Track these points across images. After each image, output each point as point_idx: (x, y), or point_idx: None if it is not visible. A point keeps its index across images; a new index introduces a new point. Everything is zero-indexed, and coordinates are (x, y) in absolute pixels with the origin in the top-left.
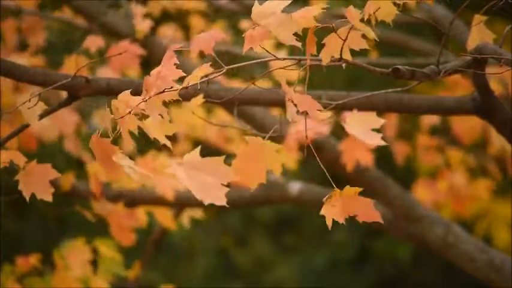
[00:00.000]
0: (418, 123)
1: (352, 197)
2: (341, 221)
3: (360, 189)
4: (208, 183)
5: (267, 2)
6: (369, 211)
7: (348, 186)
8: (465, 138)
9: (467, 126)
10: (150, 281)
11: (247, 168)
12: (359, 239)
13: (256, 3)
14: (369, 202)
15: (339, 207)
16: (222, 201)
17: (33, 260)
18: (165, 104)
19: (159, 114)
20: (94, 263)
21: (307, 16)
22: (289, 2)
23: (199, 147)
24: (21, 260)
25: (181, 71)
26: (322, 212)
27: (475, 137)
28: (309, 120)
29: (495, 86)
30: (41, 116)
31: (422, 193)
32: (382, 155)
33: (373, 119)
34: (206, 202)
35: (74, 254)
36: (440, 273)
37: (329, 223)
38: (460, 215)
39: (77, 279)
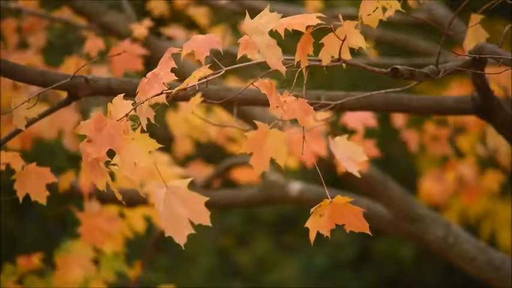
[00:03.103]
0: None
1: (342, 206)
2: (326, 233)
3: (350, 199)
4: (179, 217)
5: (257, 18)
6: (357, 220)
7: (338, 196)
8: (473, 128)
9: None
10: (151, 281)
11: (255, 156)
12: (359, 239)
13: (247, 16)
14: (358, 211)
15: (326, 217)
16: (181, 241)
17: (34, 260)
18: (157, 105)
19: (148, 118)
20: (96, 262)
21: (304, 24)
22: (278, 20)
23: (189, 180)
24: (21, 260)
25: (176, 74)
26: (307, 225)
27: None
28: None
29: (495, 87)
30: (41, 116)
31: (430, 186)
32: (383, 154)
33: (357, 150)
34: (166, 234)
35: (75, 254)
36: (440, 273)
37: (312, 237)
38: (468, 211)
39: (77, 280)
